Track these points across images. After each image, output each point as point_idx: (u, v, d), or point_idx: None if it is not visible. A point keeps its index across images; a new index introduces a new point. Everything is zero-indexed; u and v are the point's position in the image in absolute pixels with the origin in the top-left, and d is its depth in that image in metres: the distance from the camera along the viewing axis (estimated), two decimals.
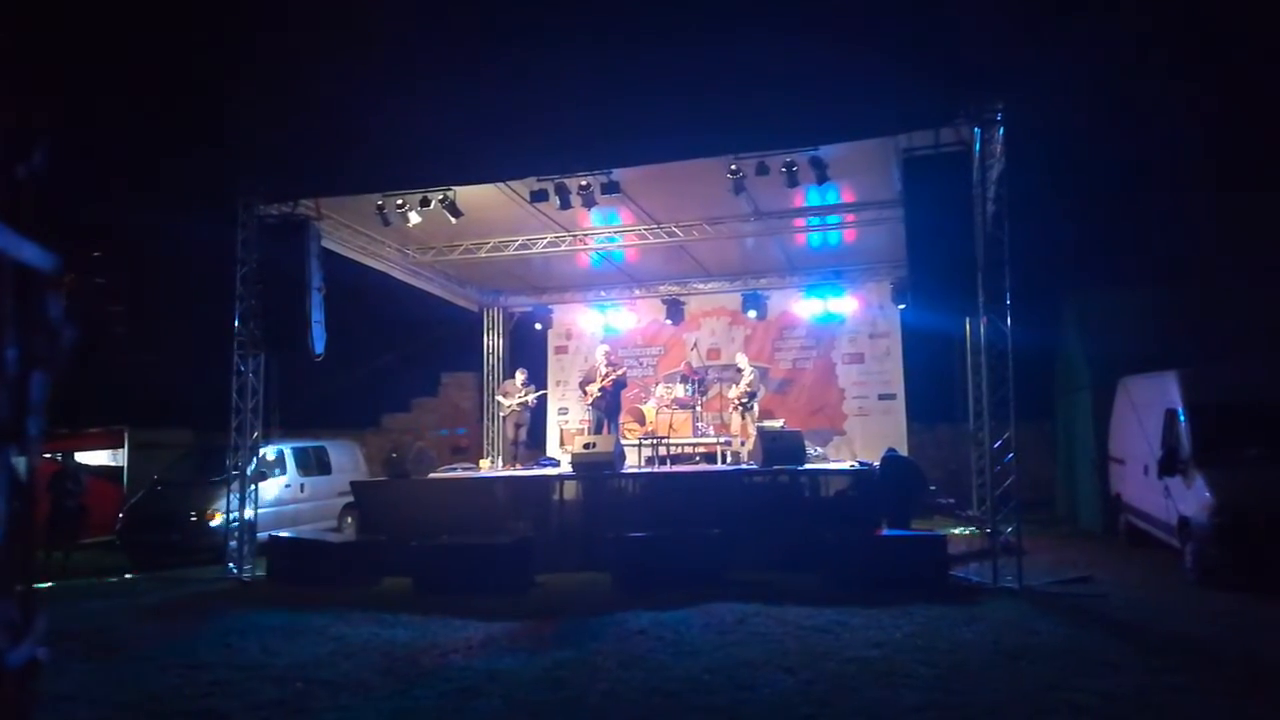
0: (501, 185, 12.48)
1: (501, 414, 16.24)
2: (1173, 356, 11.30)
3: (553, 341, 19.38)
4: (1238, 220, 19.99)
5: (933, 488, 14.35)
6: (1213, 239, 19.61)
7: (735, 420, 14.96)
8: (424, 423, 22.11)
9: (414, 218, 12.66)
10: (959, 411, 13.81)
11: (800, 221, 14.31)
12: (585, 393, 14.68)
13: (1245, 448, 9.71)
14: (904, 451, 14.48)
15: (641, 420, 15.35)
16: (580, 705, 6.00)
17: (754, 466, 12.14)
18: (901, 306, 16.34)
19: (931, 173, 10.31)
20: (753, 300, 17.19)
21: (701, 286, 17.98)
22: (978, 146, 10.32)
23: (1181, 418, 10.25)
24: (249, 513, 12.43)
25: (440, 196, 12.35)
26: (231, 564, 12.12)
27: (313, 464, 15.65)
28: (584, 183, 11.90)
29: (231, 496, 12.39)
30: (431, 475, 13.55)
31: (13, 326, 1.82)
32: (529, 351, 19.29)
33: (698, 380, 15.30)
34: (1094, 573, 10.41)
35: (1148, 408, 11.49)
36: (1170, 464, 10.16)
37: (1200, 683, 6.07)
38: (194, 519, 13.57)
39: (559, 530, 12.03)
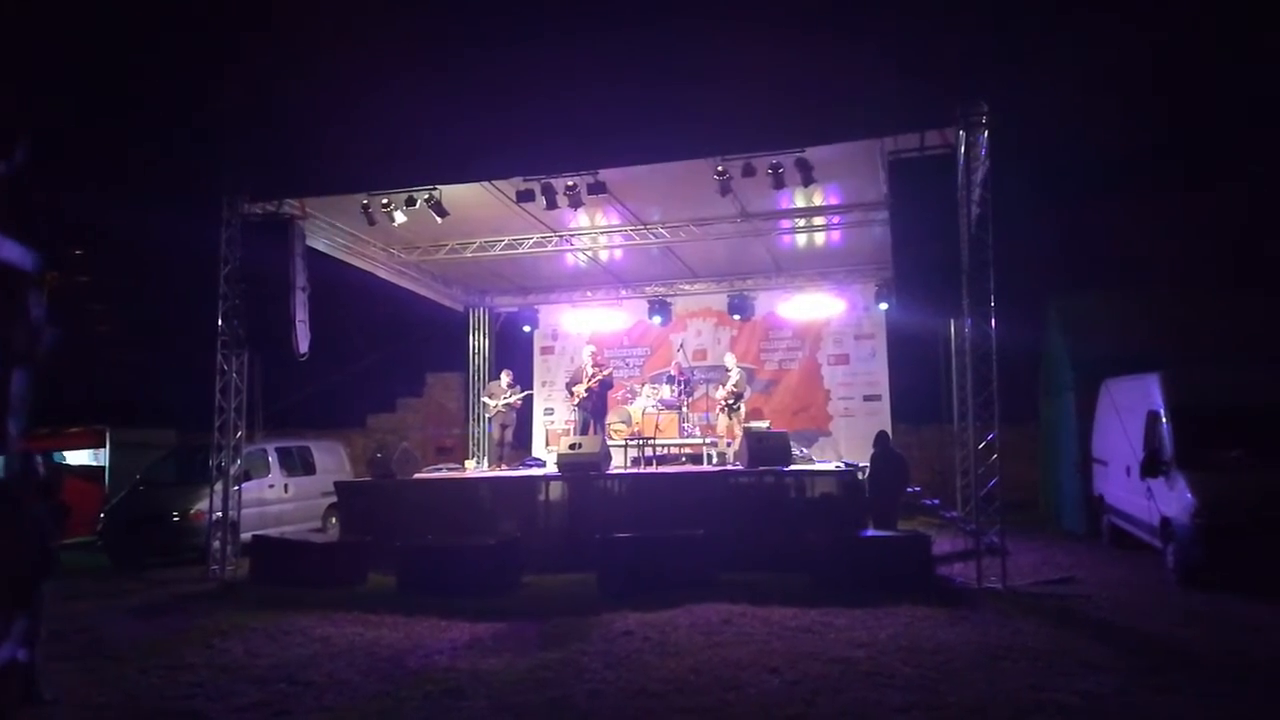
0: (487, 185, 12.46)
1: (487, 415, 16.20)
2: (1155, 359, 11.37)
3: (538, 342, 19.37)
4: (1221, 223, 20.16)
5: (917, 488, 14.40)
6: (1196, 242, 19.76)
7: (721, 421, 14.97)
8: (409, 423, 22.04)
9: (399, 217, 12.62)
10: (944, 413, 13.85)
11: (786, 223, 14.35)
12: (571, 393, 14.67)
13: (1227, 449, 9.77)
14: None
15: (628, 421, 15.35)
16: (566, 706, 5.99)
17: (740, 467, 12.15)
18: (884, 307, 16.41)
19: (917, 175, 10.36)
20: (739, 301, 17.23)
21: (688, 287, 18.01)
22: (963, 150, 10.37)
23: (1163, 420, 10.32)
24: (232, 513, 12.37)
25: (426, 196, 12.32)
26: (214, 564, 12.05)
27: (297, 464, 15.56)
28: (570, 183, 11.89)
29: (215, 496, 12.31)
30: (416, 476, 13.51)
31: None
32: (515, 352, 19.27)
33: (684, 381, 15.31)
34: (1077, 573, 10.47)
35: (1130, 410, 11.56)
36: (1152, 465, 10.22)
37: (1181, 682, 6.11)
38: (176, 519, 13.47)
39: (545, 531, 12.01)
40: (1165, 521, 9.97)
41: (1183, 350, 12.06)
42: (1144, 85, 21.50)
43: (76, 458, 17.71)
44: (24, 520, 6.03)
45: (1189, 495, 9.44)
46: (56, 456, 16.88)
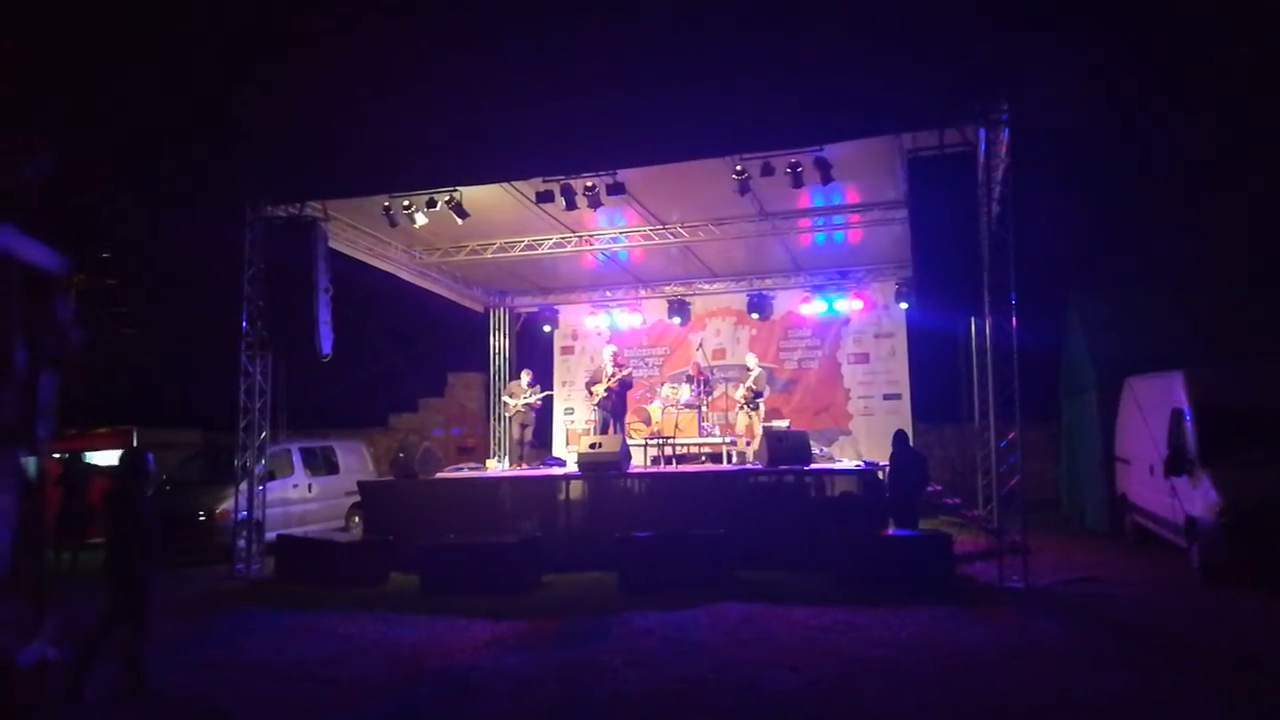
0: (507, 186, 12.53)
1: (508, 414, 16.27)
2: (1178, 357, 11.28)
3: (559, 342, 19.44)
4: (1244, 220, 19.94)
5: (938, 487, 14.33)
6: (1219, 239, 19.55)
7: (741, 420, 14.96)
8: (431, 422, 22.17)
9: (420, 219, 12.72)
10: (964, 411, 13.77)
11: (805, 222, 14.33)
12: (591, 393, 14.71)
13: (1251, 448, 9.67)
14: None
15: (647, 420, 15.37)
16: (586, 705, 6.02)
17: (760, 466, 12.14)
18: (904, 306, 16.36)
19: (937, 173, 10.32)
20: (758, 300, 17.23)
21: (707, 287, 18.02)
22: (983, 147, 10.32)
23: (1187, 418, 10.23)
24: (257, 512, 12.50)
25: (446, 198, 12.41)
26: (239, 563, 12.18)
27: (320, 464, 15.69)
28: (589, 183, 11.94)
29: (240, 496, 12.44)
30: (438, 475, 13.59)
31: (22, 328, 1.85)
32: (535, 352, 19.36)
33: (703, 380, 15.32)
34: (1099, 572, 10.41)
35: (1153, 408, 11.47)
36: (1176, 464, 10.14)
37: (1204, 682, 6.07)
38: (202, 518, 13.62)
39: (565, 530, 12.05)
40: (1189, 520, 9.89)
41: (1206, 348, 11.95)
42: (1166, 82, 21.29)
43: (104, 458, 17.89)
44: (137, 512, 6.54)
45: (1213, 494, 9.36)
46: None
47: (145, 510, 6.59)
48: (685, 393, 15.32)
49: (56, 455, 14.33)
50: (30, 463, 1.81)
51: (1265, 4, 19.65)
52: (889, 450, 11.94)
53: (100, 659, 6.38)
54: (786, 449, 11.89)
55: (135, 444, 17.95)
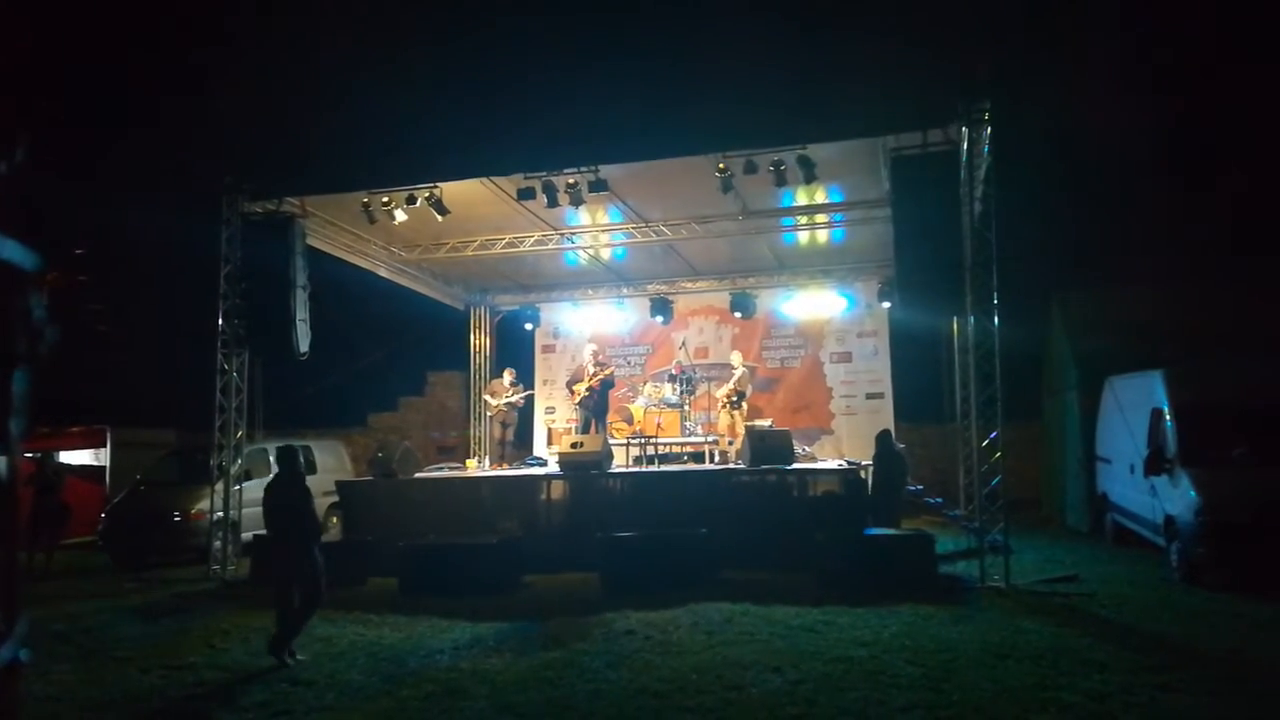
0: (488, 182, 12.43)
1: (489, 413, 16.18)
2: (1159, 356, 11.34)
3: (540, 340, 19.33)
4: (1223, 220, 20.13)
5: (919, 487, 14.37)
6: (1199, 239, 19.73)
7: (723, 419, 14.95)
8: (411, 422, 22.02)
9: (400, 215, 12.59)
10: (946, 411, 13.84)
11: (788, 220, 14.31)
12: (572, 392, 14.65)
13: (1230, 447, 9.74)
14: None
15: (629, 419, 15.33)
16: (568, 705, 5.97)
17: (742, 466, 12.13)
18: (887, 305, 16.39)
19: (919, 172, 10.32)
20: (741, 299, 17.21)
21: (690, 285, 17.98)
22: (965, 146, 10.34)
23: (1167, 417, 10.30)
24: (233, 513, 12.35)
25: (426, 194, 12.29)
26: (215, 564, 12.04)
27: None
28: (571, 180, 11.86)
29: (215, 496, 12.29)
30: (418, 475, 13.49)
31: None
32: (516, 350, 19.26)
33: (686, 379, 15.29)
34: (1080, 572, 10.45)
35: (1134, 407, 11.54)
36: (1156, 463, 10.20)
37: (1185, 681, 6.08)
38: (177, 519, 13.45)
39: (546, 530, 11.99)
40: (1169, 519, 9.95)
41: (1187, 347, 12.03)
42: (1148, 79, 21.47)
43: (77, 457, 17.67)
44: (301, 497, 7.59)
45: (1192, 493, 9.42)
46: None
47: (306, 496, 7.62)
48: (668, 392, 15.28)
49: (29, 455, 14.11)
50: (2, 462, 1.75)
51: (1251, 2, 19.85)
52: (871, 449, 11.95)
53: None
54: (769, 448, 11.88)
55: (108, 443, 17.75)
